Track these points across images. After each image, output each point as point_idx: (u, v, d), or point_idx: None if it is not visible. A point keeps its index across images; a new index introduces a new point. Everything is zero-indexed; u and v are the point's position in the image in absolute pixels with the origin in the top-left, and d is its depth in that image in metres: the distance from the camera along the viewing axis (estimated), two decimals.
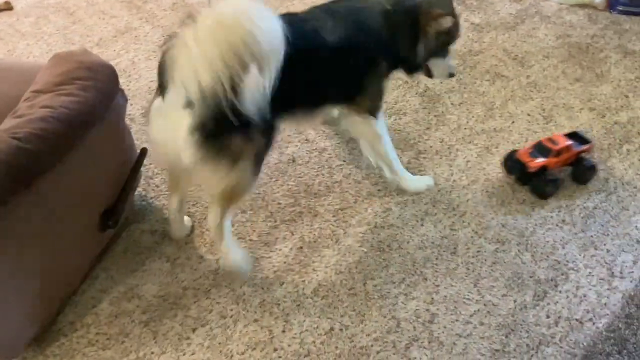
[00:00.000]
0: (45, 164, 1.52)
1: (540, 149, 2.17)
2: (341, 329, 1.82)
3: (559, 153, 2.16)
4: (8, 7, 3.30)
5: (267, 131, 1.74)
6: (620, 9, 3.13)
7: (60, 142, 1.56)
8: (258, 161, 1.77)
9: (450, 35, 2.07)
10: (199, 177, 1.80)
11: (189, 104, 1.55)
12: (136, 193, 2.17)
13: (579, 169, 2.21)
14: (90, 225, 1.84)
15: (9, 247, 1.52)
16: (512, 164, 2.22)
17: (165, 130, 1.65)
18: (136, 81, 2.75)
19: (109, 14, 3.22)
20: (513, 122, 2.48)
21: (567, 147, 2.17)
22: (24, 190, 1.48)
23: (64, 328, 1.82)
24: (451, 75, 2.22)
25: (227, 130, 1.57)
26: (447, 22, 2.01)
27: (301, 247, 2.06)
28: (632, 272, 1.93)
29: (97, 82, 1.71)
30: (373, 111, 2.08)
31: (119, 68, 2.73)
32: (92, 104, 1.66)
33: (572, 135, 2.25)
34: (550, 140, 2.19)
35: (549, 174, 2.16)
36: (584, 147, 2.22)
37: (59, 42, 3.03)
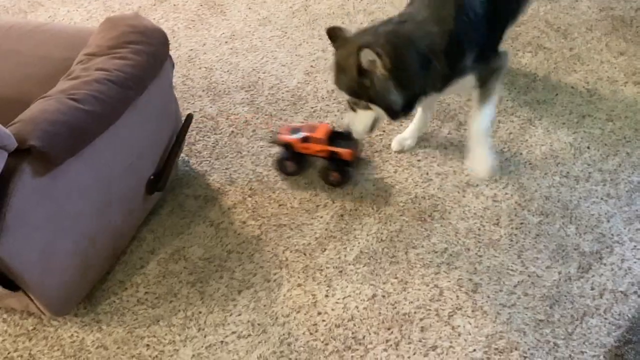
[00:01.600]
0: (102, 125, 1.55)
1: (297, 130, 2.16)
2: (384, 296, 1.84)
3: (306, 139, 2.13)
4: None
5: None
6: None
7: (115, 104, 1.58)
8: None
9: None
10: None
11: None
12: (179, 159, 2.20)
13: (328, 168, 2.15)
14: (138, 188, 1.87)
15: (63, 205, 1.56)
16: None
17: None
18: (176, 50, 2.76)
19: None
20: (556, 94, 2.45)
21: (319, 139, 2.12)
22: (81, 150, 1.51)
23: (114, 287, 1.86)
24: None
25: None
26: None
27: (342, 215, 2.07)
28: None
29: (149, 46, 1.73)
30: None
31: None
32: (145, 67, 1.68)
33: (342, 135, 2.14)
34: (313, 127, 2.16)
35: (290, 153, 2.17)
36: (339, 149, 2.11)
37: (99, 9, 3.05)
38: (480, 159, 1.99)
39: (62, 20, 2.98)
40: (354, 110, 1.89)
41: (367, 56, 1.66)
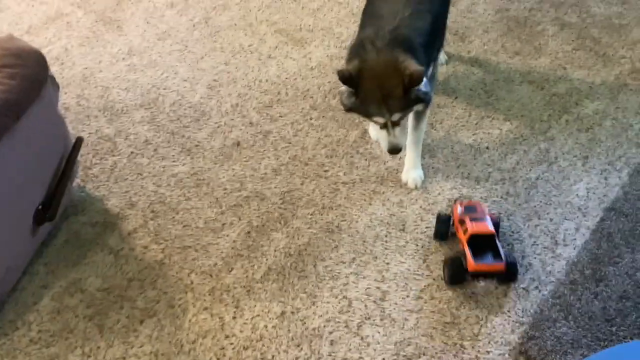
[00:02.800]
0: None
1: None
2: (293, 312, 1.80)
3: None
4: None
5: None
6: None
7: None
8: None
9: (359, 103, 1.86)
10: None
11: None
12: (74, 184, 2.09)
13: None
14: (25, 219, 1.76)
15: None
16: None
17: None
18: (70, 69, 2.64)
19: (38, 0, 3.07)
20: (456, 97, 2.49)
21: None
22: None
23: (4, 327, 1.74)
24: (389, 150, 1.94)
25: None
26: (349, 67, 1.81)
27: (249, 232, 2.02)
28: (575, 239, 1.97)
29: (25, 69, 1.63)
30: None
31: (51, 56, 2.64)
32: (21, 91, 1.59)
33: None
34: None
35: None
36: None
37: None
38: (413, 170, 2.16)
39: None
40: (387, 128, 1.89)
41: (409, 67, 1.77)
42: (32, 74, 1.64)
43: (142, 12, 2.98)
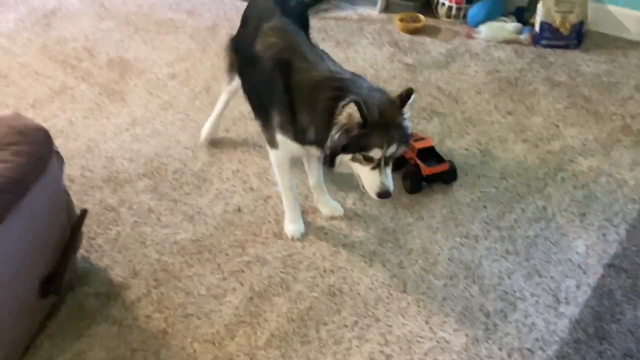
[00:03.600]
0: None
1: None
2: None
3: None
4: None
5: None
6: (544, 43, 3.29)
7: None
8: None
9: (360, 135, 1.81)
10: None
11: None
12: (78, 255, 2.12)
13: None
14: (31, 292, 1.78)
15: None
16: None
17: None
18: (74, 140, 2.71)
19: (43, 75, 3.17)
20: (452, 157, 2.54)
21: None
22: None
23: None
24: (378, 195, 1.90)
25: None
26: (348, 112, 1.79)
27: (251, 298, 2.03)
28: (577, 297, 1.98)
29: (30, 146, 1.67)
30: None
31: (56, 128, 2.71)
32: (26, 168, 1.63)
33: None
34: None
35: None
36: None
37: None
38: (326, 203, 2.34)
39: None
40: (379, 167, 1.87)
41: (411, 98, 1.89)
42: (37, 151, 1.69)
43: (145, 84, 3.07)
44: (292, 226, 2.25)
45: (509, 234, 2.20)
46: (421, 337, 1.88)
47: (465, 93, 2.93)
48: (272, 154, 2.17)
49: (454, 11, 3.53)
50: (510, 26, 3.38)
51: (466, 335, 1.87)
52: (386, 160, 1.87)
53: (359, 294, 2.03)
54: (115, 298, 2.03)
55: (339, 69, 2.00)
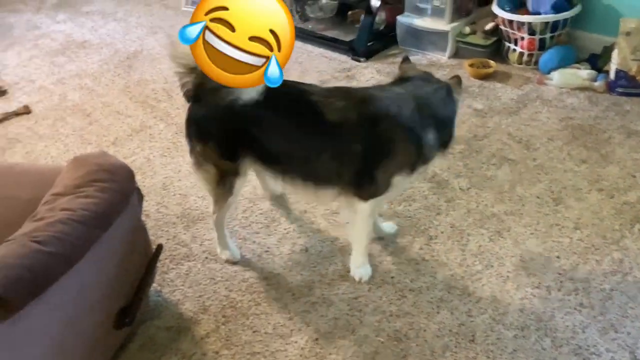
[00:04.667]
0: (65, 266, 1.55)
1: None
2: None
3: None
4: (27, 111, 3.44)
5: None
6: (620, 90, 3.21)
7: (79, 244, 1.59)
8: None
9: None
10: None
11: None
12: (151, 289, 2.18)
13: None
14: (106, 324, 1.85)
15: (22, 350, 1.52)
16: None
17: None
18: (151, 178, 2.82)
19: (124, 114, 3.34)
20: (523, 205, 2.50)
21: None
22: (44, 292, 1.50)
23: None
24: None
25: None
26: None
27: (317, 339, 2.04)
28: None
29: (115, 183, 1.76)
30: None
31: (134, 165, 2.82)
32: (111, 204, 1.71)
33: None
34: None
35: None
36: None
37: (76, 143, 3.13)
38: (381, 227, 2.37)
39: (40, 155, 3.06)
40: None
41: None
42: (121, 188, 1.78)
43: None
44: (361, 269, 2.25)
45: (583, 287, 2.13)
46: None
47: (536, 140, 2.89)
48: (370, 204, 2.10)
49: (525, 57, 3.51)
50: (584, 73, 3.32)
51: None
52: None
53: (425, 340, 2.00)
54: (185, 332, 2.08)
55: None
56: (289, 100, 2.02)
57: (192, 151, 2.16)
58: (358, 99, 2.02)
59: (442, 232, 2.42)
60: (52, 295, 1.53)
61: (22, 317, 1.45)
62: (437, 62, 3.69)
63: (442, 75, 3.52)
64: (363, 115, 1.98)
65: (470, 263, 2.26)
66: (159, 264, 2.26)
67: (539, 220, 2.43)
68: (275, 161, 2.12)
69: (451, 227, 2.44)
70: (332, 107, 1.99)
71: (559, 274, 2.19)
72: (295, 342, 2.03)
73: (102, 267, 1.76)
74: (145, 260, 2.01)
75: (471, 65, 3.50)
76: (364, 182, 2.06)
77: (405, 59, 2.22)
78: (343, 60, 3.80)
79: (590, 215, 2.43)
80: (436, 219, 2.49)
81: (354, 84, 3.53)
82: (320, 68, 3.72)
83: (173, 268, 2.34)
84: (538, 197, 2.54)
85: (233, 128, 2.03)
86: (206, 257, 2.39)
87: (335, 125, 1.98)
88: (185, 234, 2.50)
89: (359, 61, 3.75)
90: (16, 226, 1.62)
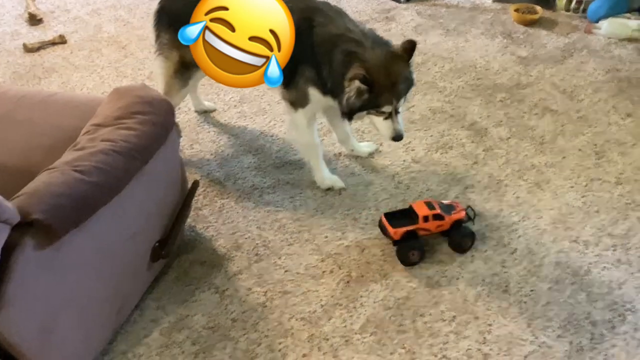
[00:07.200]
0: (106, 196, 1.56)
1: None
2: None
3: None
4: (62, 41, 3.42)
5: None
6: None
7: (120, 175, 1.59)
8: None
9: (371, 98, 2.02)
10: None
11: None
12: (186, 224, 2.20)
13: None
14: (144, 255, 1.87)
15: (65, 276, 1.55)
16: None
17: None
18: (185, 114, 2.81)
19: None
20: (564, 157, 2.44)
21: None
22: (85, 221, 1.51)
23: (116, 358, 1.83)
24: (393, 138, 2.13)
25: None
26: (355, 85, 2.00)
27: (348, 282, 2.04)
28: None
29: (155, 117, 1.75)
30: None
31: None
32: (151, 137, 1.70)
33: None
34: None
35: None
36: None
37: (112, 75, 3.12)
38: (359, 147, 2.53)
39: (75, 86, 3.05)
40: (391, 117, 2.09)
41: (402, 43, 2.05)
42: (162, 122, 1.77)
43: None
44: (326, 180, 2.38)
45: (621, 243, 2.09)
46: (522, 339, 1.83)
47: (581, 91, 2.80)
48: (299, 114, 2.25)
49: (573, 4, 3.37)
50: (634, 23, 3.18)
51: (570, 343, 1.80)
52: (396, 110, 2.09)
53: (458, 288, 1.99)
54: (218, 268, 2.10)
55: (352, 26, 2.12)
56: None
57: (158, 39, 2.31)
58: (304, 3, 2.15)
59: (478, 182, 2.38)
60: (93, 225, 1.55)
61: (64, 244, 1.47)
62: (481, 5, 3.57)
63: (485, 19, 3.41)
64: (299, 16, 2.05)
65: (507, 214, 2.23)
66: (193, 201, 2.27)
67: (580, 173, 2.37)
68: None
69: (489, 176, 2.39)
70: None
71: (598, 229, 2.15)
72: (327, 283, 2.04)
73: (142, 199, 1.76)
74: (182, 195, 2.02)
75: (516, 10, 3.37)
76: (291, 86, 2.20)
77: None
78: (382, 0, 3.68)
79: (633, 170, 2.36)
80: (473, 167, 2.44)
81: (392, 25, 3.44)
82: (359, 8, 3.62)
83: (207, 205, 2.35)
84: (580, 150, 2.48)
85: None
86: (239, 196, 2.39)
87: None
88: (219, 171, 2.50)
89: (399, 2, 3.64)
90: (58, 153, 1.62)
